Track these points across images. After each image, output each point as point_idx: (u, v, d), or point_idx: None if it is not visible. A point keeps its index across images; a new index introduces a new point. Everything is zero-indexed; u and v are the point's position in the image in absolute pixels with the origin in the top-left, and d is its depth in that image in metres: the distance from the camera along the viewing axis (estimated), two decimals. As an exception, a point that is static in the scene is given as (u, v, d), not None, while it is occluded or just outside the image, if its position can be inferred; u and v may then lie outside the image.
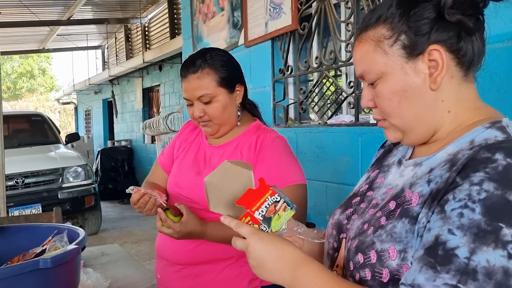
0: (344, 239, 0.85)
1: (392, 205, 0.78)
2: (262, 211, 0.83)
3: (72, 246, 1.14)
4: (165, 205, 1.33)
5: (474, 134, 0.75)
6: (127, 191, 1.36)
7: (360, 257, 0.77)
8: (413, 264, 0.69)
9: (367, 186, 0.91)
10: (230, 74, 1.43)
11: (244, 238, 0.81)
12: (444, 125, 0.79)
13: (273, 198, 0.84)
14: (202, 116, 1.43)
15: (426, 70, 0.77)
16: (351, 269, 0.79)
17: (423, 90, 0.78)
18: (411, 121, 0.80)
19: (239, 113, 1.48)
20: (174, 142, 1.64)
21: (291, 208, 0.85)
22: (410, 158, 0.86)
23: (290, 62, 2.69)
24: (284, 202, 0.85)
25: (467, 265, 0.63)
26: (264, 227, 0.83)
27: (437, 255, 0.65)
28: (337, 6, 2.41)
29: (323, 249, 0.95)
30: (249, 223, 0.83)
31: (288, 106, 2.72)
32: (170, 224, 1.29)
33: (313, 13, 2.50)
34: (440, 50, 0.76)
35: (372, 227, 0.77)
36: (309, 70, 2.57)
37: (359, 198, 0.90)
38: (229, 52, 1.52)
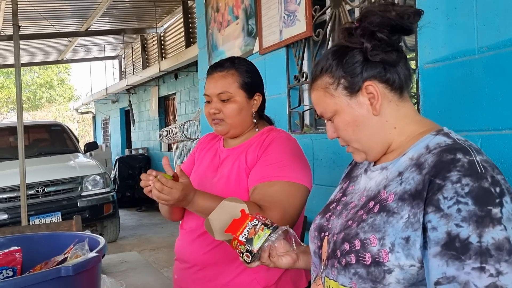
0: (326, 237, 1.00)
1: (371, 204, 0.93)
2: (244, 235, 1.06)
3: (93, 254, 1.16)
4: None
5: (426, 141, 0.92)
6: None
7: (346, 246, 0.91)
8: (432, 261, 0.81)
9: (341, 194, 1.08)
10: (253, 81, 1.51)
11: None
12: (395, 139, 0.98)
13: (252, 223, 1.07)
14: (216, 113, 1.48)
15: (367, 102, 0.96)
16: (338, 256, 0.93)
17: (369, 117, 0.96)
18: (367, 143, 0.98)
19: (255, 120, 1.54)
20: (195, 151, 1.70)
21: (268, 228, 1.06)
22: (374, 165, 1.02)
23: (305, 68, 2.70)
24: (262, 224, 1.07)
25: (481, 247, 0.77)
26: (248, 246, 1.05)
27: (456, 248, 0.78)
28: (351, 12, 2.41)
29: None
30: (237, 245, 1.06)
31: (303, 112, 2.72)
32: (171, 184, 1.23)
33: (327, 19, 2.50)
34: (373, 84, 0.95)
35: (356, 222, 0.92)
36: (324, 76, 2.56)
37: (335, 203, 1.07)
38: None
